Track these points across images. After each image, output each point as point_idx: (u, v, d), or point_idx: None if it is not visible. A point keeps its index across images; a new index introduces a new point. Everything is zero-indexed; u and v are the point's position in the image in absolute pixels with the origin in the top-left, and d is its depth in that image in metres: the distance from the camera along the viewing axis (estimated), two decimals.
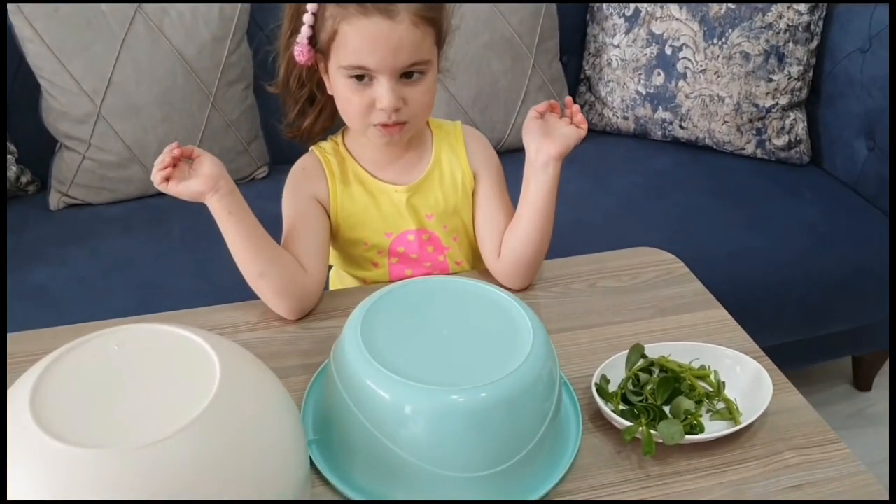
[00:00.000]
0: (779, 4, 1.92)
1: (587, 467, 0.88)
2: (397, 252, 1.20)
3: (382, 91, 1.03)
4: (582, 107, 2.17)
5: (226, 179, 1.05)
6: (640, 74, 2.06)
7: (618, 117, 2.13)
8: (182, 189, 1.03)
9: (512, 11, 1.97)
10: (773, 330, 1.74)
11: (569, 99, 1.15)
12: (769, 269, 1.74)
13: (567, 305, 1.15)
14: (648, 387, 0.94)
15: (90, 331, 0.77)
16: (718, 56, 1.97)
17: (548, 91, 2.04)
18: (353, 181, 1.17)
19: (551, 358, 0.87)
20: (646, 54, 2.04)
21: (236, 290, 1.12)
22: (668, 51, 2.01)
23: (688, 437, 0.88)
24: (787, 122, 1.99)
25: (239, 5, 1.82)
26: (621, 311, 1.13)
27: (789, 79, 1.96)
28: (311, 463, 0.85)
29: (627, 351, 0.99)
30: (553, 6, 2.05)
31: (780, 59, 1.95)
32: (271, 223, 1.12)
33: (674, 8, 2.00)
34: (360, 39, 1.01)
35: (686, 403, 0.92)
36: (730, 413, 0.93)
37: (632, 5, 2.05)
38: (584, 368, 1.00)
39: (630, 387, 0.95)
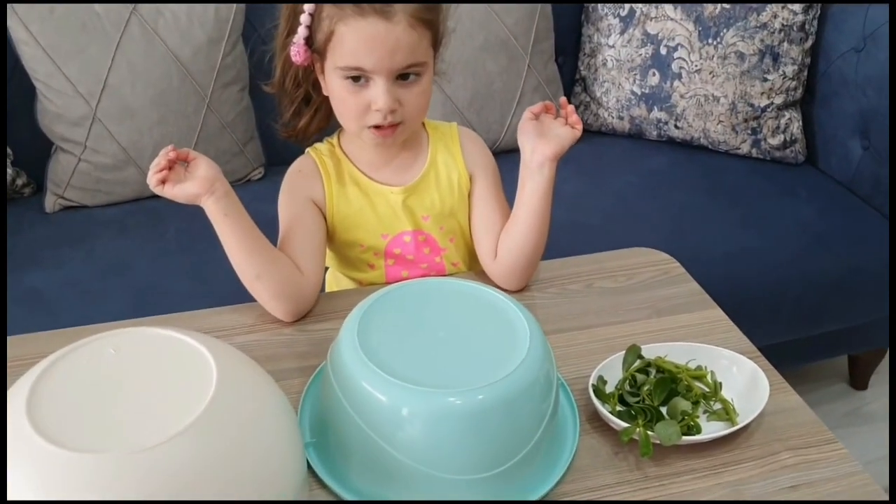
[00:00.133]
0: (773, 4, 1.92)
1: (585, 469, 0.88)
2: (393, 254, 1.19)
3: (378, 92, 1.03)
4: (577, 107, 2.17)
5: (221, 182, 1.05)
6: (635, 74, 2.06)
7: (613, 117, 2.13)
8: (178, 192, 1.03)
9: (507, 12, 1.97)
10: (769, 329, 1.74)
11: (563, 99, 1.15)
12: (764, 268, 1.75)
13: (564, 306, 1.15)
14: (645, 388, 0.94)
15: (86, 334, 0.77)
16: (713, 56, 1.97)
17: (543, 92, 2.04)
18: (349, 182, 1.17)
19: (548, 359, 0.87)
20: (641, 54, 2.04)
21: (232, 293, 1.12)
22: (663, 51, 2.01)
23: (685, 437, 0.88)
24: (782, 121, 2.00)
25: (234, 6, 1.81)
26: (618, 312, 1.13)
27: (784, 78, 1.96)
28: (309, 466, 0.85)
29: (624, 352, 0.99)
30: (548, 7, 2.05)
31: (775, 58, 1.95)
32: (267, 225, 1.12)
33: (668, 8, 2.00)
34: (356, 40, 1.01)
35: (683, 404, 0.92)
36: (727, 414, 0.93)
37: (626, 5, 2.05)
38: (581, 369, 1.00)
39: (627, 388, 0.95)
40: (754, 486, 0.86)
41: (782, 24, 1.93)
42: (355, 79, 1.04)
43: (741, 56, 1.95)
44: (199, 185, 1.03)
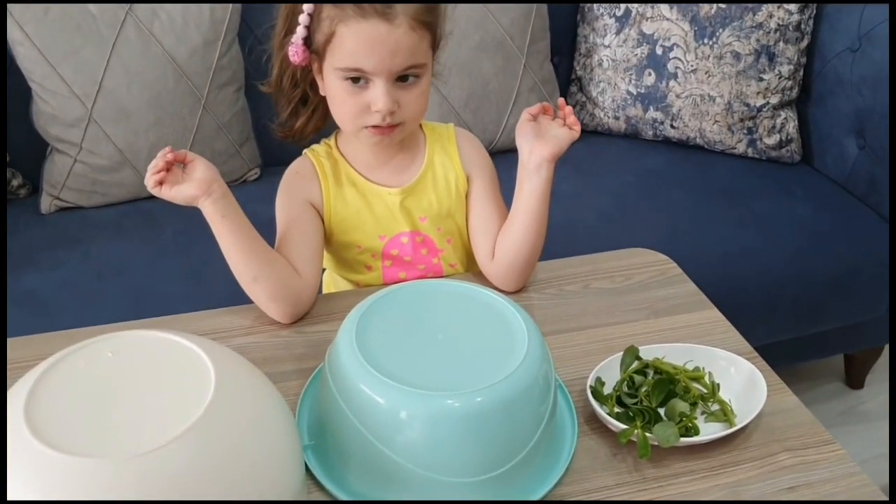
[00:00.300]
0: (769, 4, 1.92)
1: (583, 470, 0.88)
2: (391, 255, 1.19)
3: (378, 94, 1.03)
4: (573, 107, 2.17)
5: (219, 183, 1.05)
6: (630, 74, 2.06)
7: (609, 117, 2.13)
8: (175, 193, 1.03)
9: (502, 12, 1.96)
10: (766, 328, 1.75)
11: (562, 100, 1.15)
12: (761, 267, 1.75)
13: (561, 307, 1.15)
14: (643, 389, 0.94)
15: (83, 336, 0.77)
16: (709, 56, 1.97)
17: (539, 92, 2.04)
18: (347, 183, 1.16)
19: (546, 361, 0.87)
20: (636, 54, 2.04)
21: (230, 294, 1.12)
22: (659, 51, 2.01)
23: (683, 439, 0.88)
24: (778, 121, 2.00)
25: (230, 7, 1.81)
26: (615, 313, 1.13)
27: (780, 78, 1.97)
28: (307, 468, 0.85)
29: (622, 353, 0.99)
30: (543, 7, 2.05)
31: (771, 58, 1.95)
32: (264, 227, 1.12)
33: (664, 8, 2.00)
34: (357, 42, 1.00)
35: (681, 405, 0.92)
36: (724, 415, 0.93)
37: (622, 5, 2.05)
38: (578, 370, 1.00)
39: (625, 389, 0.95)
40: (753, 488, 0.86)
41: (778, 24, 1.93)
42: (355, 80, 1.04)
43: (737, 56, 1.95)
44: (197, 186, 1.03)
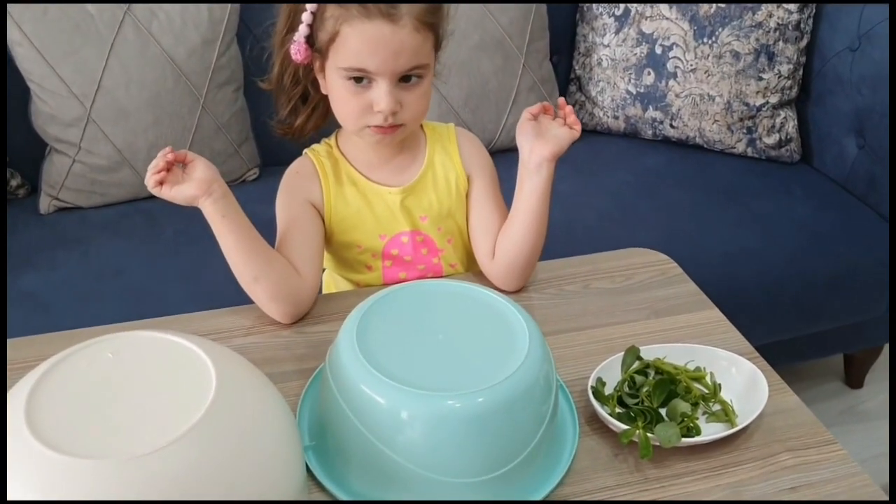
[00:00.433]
0: (768, 3, 1.92)
1: (584, 471, 0.88)
2: (391, 255, 1.19)
3: (381, 94, 1.03)
4: (572, 106, 2.16)
5: (219, 183, 1.04)
6: (630, 74, 2.06)
7: (608, 117, 2.13)
8: (175, 193, 1.03)
9: (502, 12, 1.96)
10: (766, 328, 1.75)
11: (562, 100, 1.15)
12: (760, 267, 1.75)
13: (561, 307, 1.14)
14: (644, 389, 0.94)
15: (83, 337, 0.77)
16: (708, 55, 1.97)
17: (538, 91, 2.04)
18: (347, 183, 1.16)
19: (547, 361, 0.86)
20: (636, 54, 2.04)
21: (230, 294, 1.11)
22: (659, 50, 2.01)
23: (684, 439, 0.88)
24: (778, 120, 2.00)
25: (228, 7, 1.81)
26: (615, 313, 1.13)
27: (779, 77, 1.96)
28: (308, 469, 0.85)
29: (623, 353, 0.99)
30: (543, 6, 2.04)
31: (770, 57, 1.95)
32: (263, 227, 1.11)
33: (663, 7, 2.00)
34: (361, 42, 1.00)
35: (682, 406, 0.92)
36: (726, 415, 0.93)
37: (621, 5, 2.05)
38: (579, 371, 1.00)
39: (626, 389, 0.95)
40: (754, 488, 0.86)
41: (777, 24, 1.93)
42: (357, 80, 1.04)
43: (736, 55, 1.95)
44: (197, 186, 1.03)
